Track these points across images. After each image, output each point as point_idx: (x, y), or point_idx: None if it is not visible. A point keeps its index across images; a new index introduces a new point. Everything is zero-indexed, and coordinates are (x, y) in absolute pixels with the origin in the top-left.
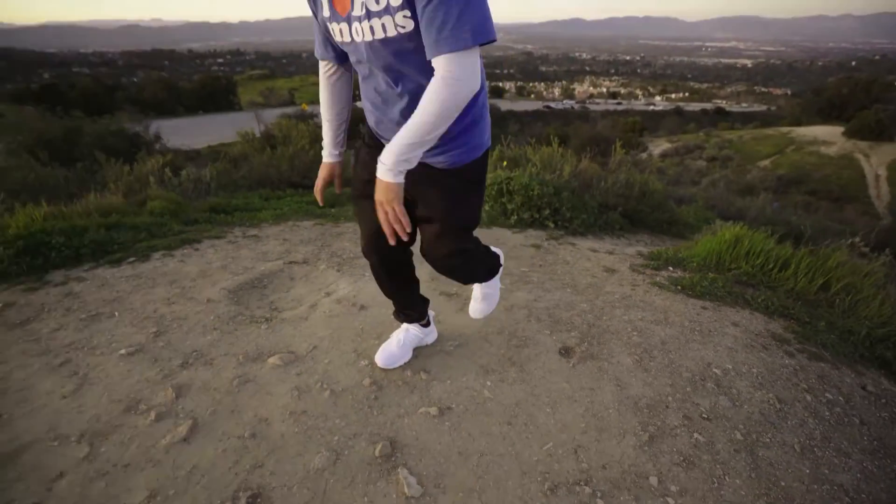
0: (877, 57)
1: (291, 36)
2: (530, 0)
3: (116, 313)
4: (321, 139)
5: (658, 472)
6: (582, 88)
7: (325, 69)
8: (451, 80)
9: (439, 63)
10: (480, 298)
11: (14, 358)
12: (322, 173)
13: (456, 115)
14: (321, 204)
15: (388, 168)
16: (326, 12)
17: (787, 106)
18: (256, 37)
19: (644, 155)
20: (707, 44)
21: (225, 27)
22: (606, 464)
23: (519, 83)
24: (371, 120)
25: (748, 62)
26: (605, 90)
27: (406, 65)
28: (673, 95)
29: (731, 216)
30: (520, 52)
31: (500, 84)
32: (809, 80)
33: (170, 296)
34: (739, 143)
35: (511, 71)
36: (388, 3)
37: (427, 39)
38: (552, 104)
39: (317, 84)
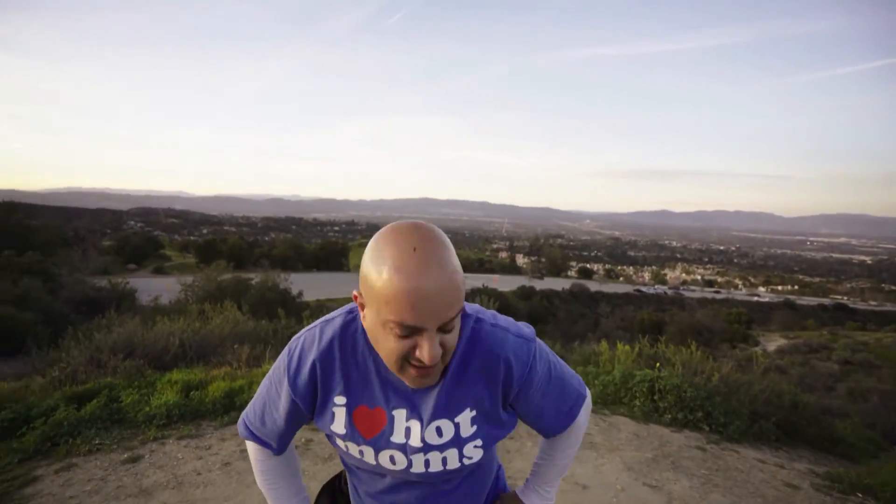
0: None
1: (399, 213)
2: (617, 193)
3: None
4: None
5: None
6: (674, 274)
7: (260, 455)
8: (579, 426)
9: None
10: None
11: None
12: None
13: None
14: None
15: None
16: (340, 429)
17: None
18: (369, 211)
19: (758, 349)
20: (811, 238)
21: (346, 203)
22: None
23: (607, 266)
24: None
25: (867, 258)
26: (699, 277)
27: (457, 482)
28: (780, 287)
29: None
30: (607, 237)
31: (589, 265)
32: None
33: None
34: (878, 346)
35: (599, 253)
36: (456, 433)
37: (546, 423)
38: (643, 288)
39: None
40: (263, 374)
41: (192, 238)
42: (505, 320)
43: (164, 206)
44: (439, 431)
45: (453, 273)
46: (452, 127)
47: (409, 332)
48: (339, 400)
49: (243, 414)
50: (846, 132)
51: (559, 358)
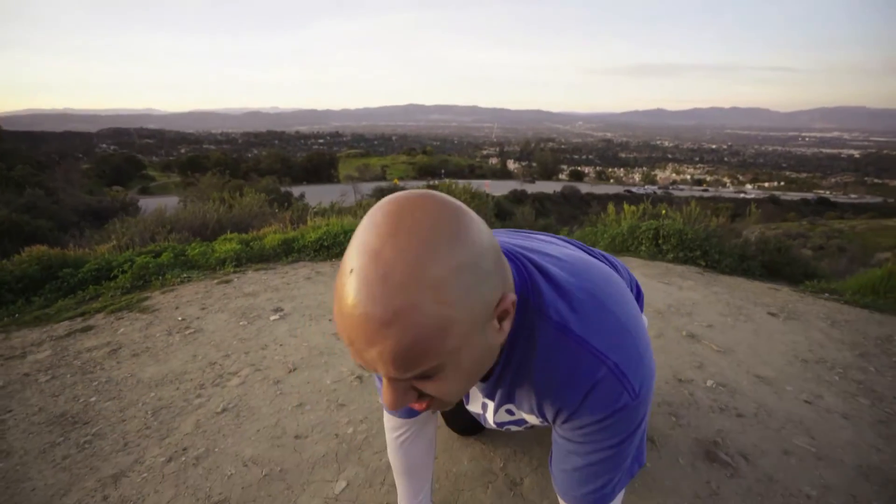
0: None
1: (384, 121)
2: (611, 92)
3: None
4: None
5: (875, 369)
6: (664, 175)
7: (395, 429)
8: None
9: None
10: None
11: None
12: None
13: None
14: None
15: None
16: None
17: None
18: (354, 121)
19: (738, 241)
20: (804, 133)
21: (328, 113)
22: (834, 358)
23: (598, 168)
24: None
25: (855, 152)
26: (689, 177)
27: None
28: (766, 184)
29: None
30: (599, 140)
31: (580, 168)
32: None
33: None
34: (852, 233)
35: (590, 157)
36: (524, 418)
37: (554, 476)
38: (633, 188)
39: (406, 163)
40: (313, 228)
41: (171, 158)
42: (615, 327)
43: (135, 125)
44: (510, 412)
45: (398, 320)
46: (439, 23)
47: None
48: None
49: None
50: (850, 16)
51: (642, 431)
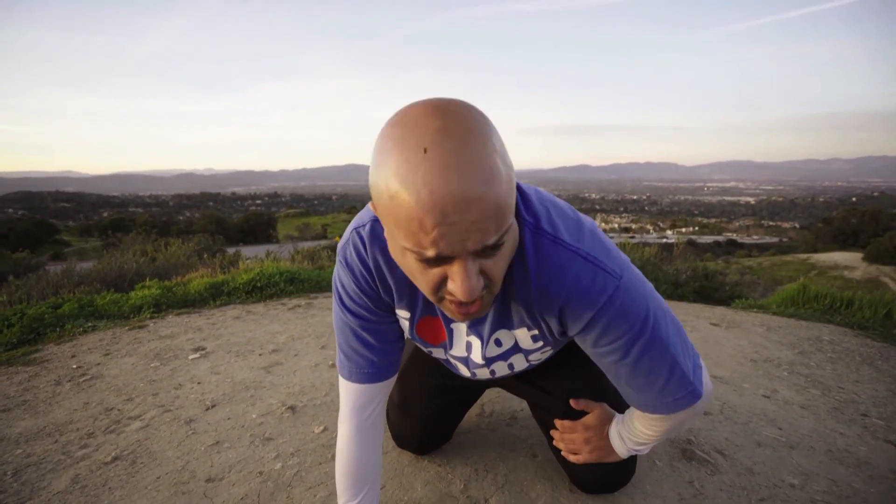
0: (875, 193)
1: (324, 181)
2: (542, 150)
3: None
4: None
5: (815, 364)
6: None
7: (365, 406)
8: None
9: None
10: None
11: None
12: None
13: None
14: None
15: (626, 449)
16: (406, 332)
17: (799, 236)
18: (293, 182)
19: (671, 270)
20: (708, 184)
21: (266, 174)
22: (779, 357)
23: None
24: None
25: (751, 199)
26: (616, 225)
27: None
28: (683, 229)
29: None
30: None
31: None
32: (815, 214)
33: None
34: (760, 269)
35: None
36: (515, 343)
37: (638, 400)
38: None
39: (347, 221)
40: (245, 271)
41: (91, 222)
42: (577, 228)
43: (50, 188)
44: (498, 342)
45: (490, 178)
46: (377, 87)
47: (435, 261)
48: (403, 313)
49: (337, 360)
50: (732, 83)
51: (666, 311)
